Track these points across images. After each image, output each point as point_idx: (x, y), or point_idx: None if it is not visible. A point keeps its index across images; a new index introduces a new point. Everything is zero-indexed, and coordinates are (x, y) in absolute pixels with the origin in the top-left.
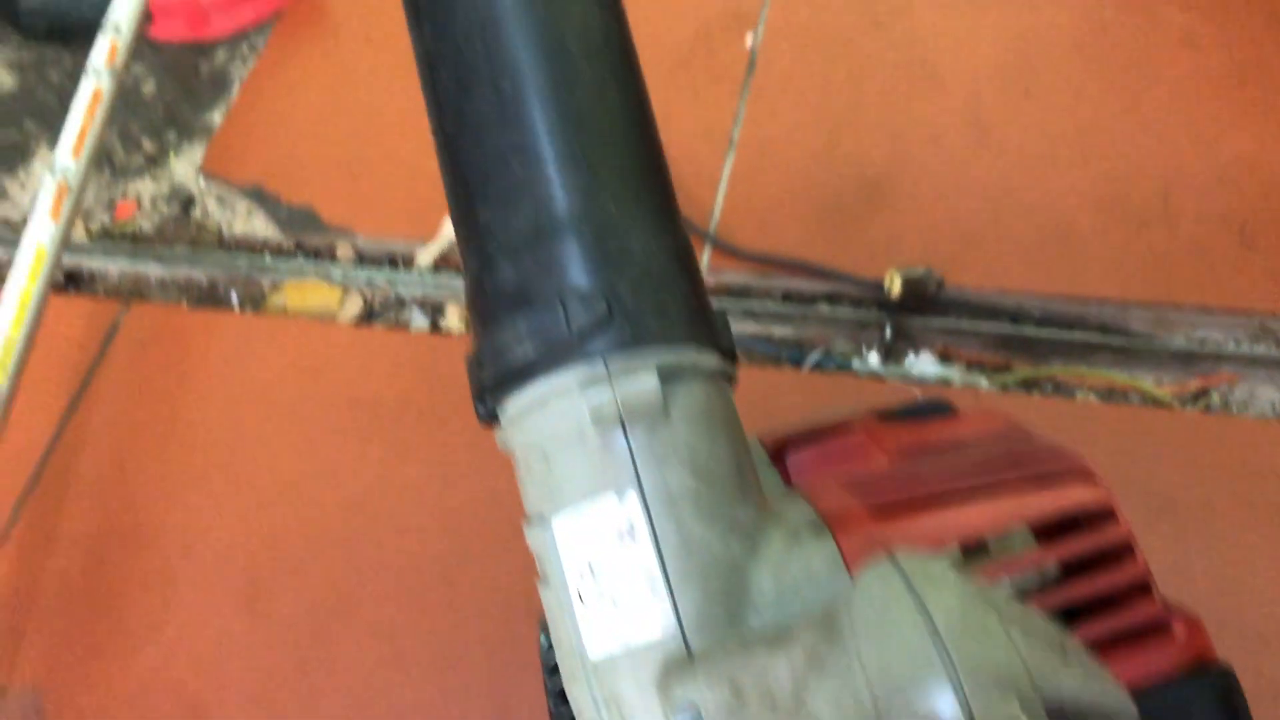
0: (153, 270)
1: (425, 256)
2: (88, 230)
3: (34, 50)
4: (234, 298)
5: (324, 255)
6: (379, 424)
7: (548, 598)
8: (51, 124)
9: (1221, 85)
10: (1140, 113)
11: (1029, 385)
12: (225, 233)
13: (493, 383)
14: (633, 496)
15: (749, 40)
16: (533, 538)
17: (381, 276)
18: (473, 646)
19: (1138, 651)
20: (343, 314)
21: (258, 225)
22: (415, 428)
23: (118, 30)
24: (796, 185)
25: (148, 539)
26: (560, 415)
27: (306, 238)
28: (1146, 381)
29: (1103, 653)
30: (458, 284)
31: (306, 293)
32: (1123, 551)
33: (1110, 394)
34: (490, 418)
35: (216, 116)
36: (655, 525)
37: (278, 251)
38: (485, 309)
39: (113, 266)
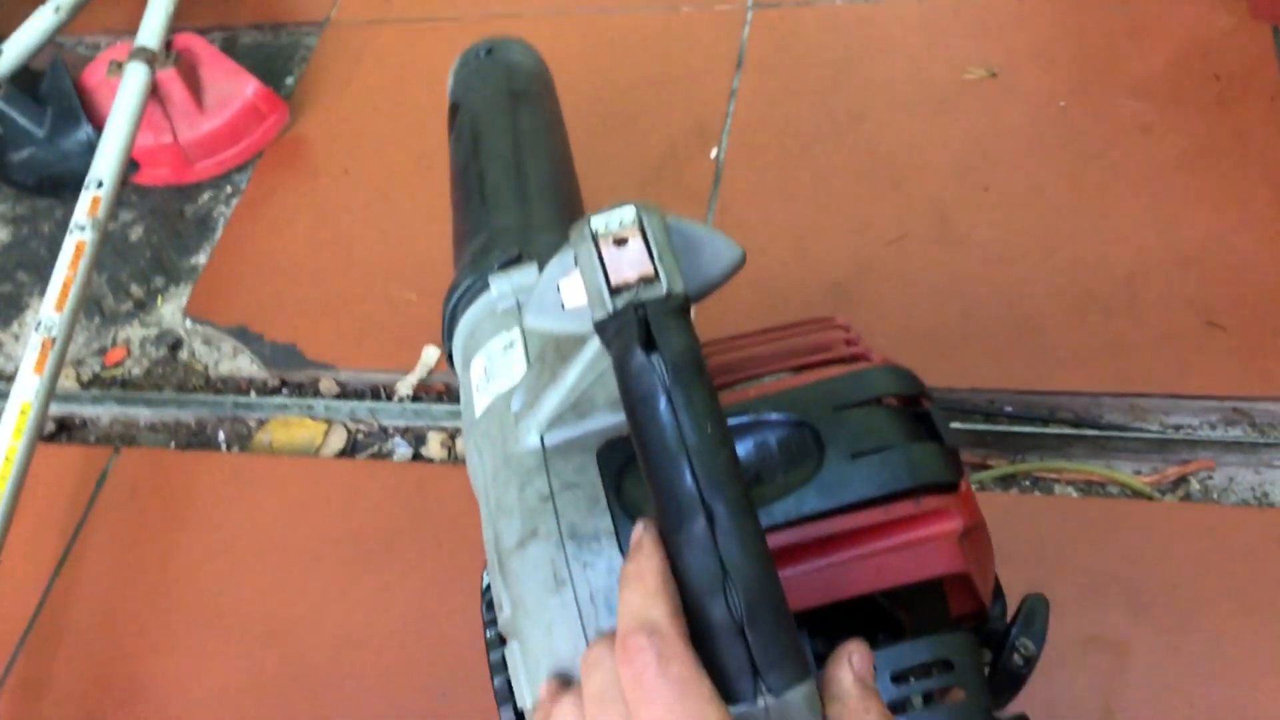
0: (142, 414)
1: (405, 386)
2: (79, 378)
3: (27, 203)
4: (221, 437)
5: (307, 390)
6: (366, 557)
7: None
8: (44, 275)
9: (1178, 169)
10: (1100, 201)
11: (1006, 482)
12: (211, 373)
13: (449, 316)
14: (516, 329)
15: (713, 153)
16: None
17: (364, 408)
18: None
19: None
20: (326, 448)
21: (243, 364)
22: (402, 559)
23: (100, 185)
24: (765, 294)
25: (139, 689)
26: (483, 305)
27: (290, 374)
28: (1124, 472)
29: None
30: (437, 411)
31: (291, 429)
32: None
33: (1089, 487)
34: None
35: (201, 258)
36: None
37: (263, 389)
38: (458, 276)
39: (103, 413)
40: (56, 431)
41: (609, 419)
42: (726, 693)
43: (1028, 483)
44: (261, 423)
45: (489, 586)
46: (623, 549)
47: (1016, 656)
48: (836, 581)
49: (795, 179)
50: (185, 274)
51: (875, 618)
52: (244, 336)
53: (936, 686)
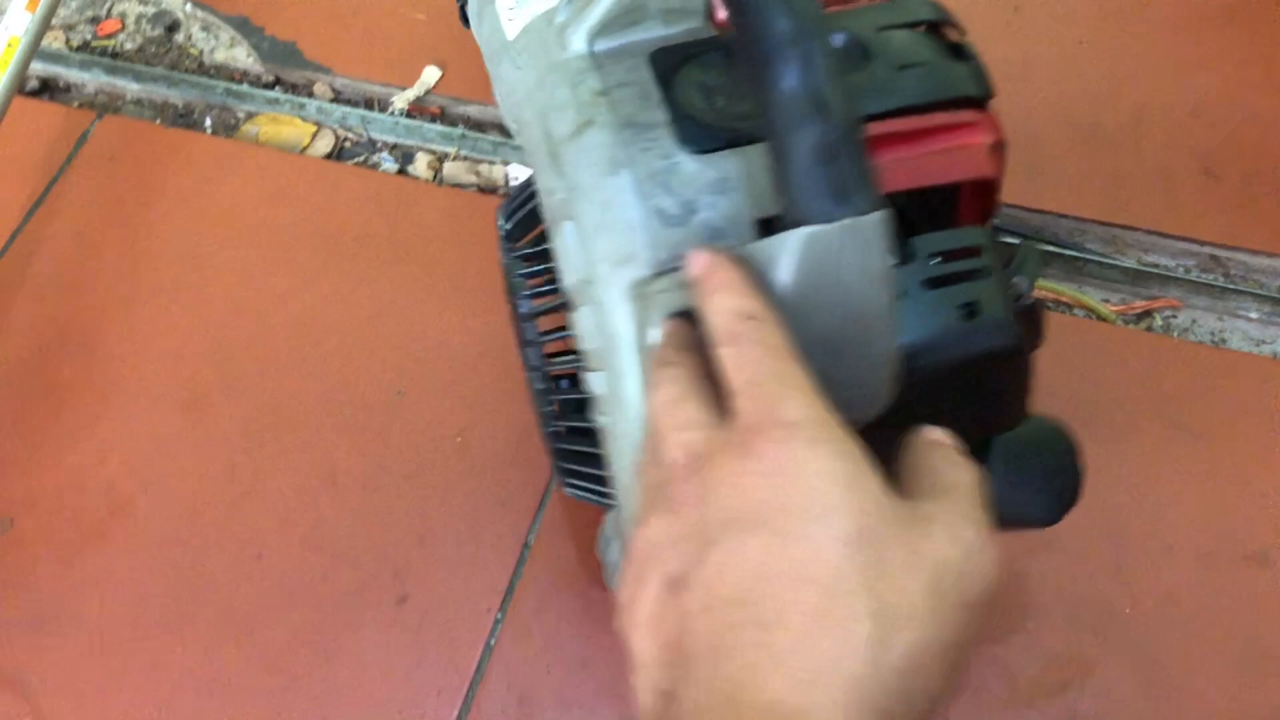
0: (129, 87)
1: (401, 100)
2: (68, 42)
3: None
4: (208, 124)
5: (301, 91)
6: (337, 255)
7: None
8: None
9: (1210, 22)
10: (1125, 41)
11: None
12: (206, 59)
13: None
14: None
15: None
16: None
17: (355, 116)
18: (401, 478)
19: None
20: (312, 149)
21: (239, 55)
22: (372, 262)
23: None
24: None
25: (93, 342)
26: None
27: (286, 72)
28: (1093, 298)
29: None
30: (429, 131)
31: (280, 125)
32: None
33: (1056, 305)
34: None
35: None
36: None
37: (256, 83)
38: None
39: (89, 80)
40: (39, 89)
41: (660, 30)
42: (808, 214)
43: None
44: (250, 115)
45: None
46: (678, 141)
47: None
48: (882, 179)
49: None
50: None
51: (916, 212)
52: (244, 28)
53: (969, 267)
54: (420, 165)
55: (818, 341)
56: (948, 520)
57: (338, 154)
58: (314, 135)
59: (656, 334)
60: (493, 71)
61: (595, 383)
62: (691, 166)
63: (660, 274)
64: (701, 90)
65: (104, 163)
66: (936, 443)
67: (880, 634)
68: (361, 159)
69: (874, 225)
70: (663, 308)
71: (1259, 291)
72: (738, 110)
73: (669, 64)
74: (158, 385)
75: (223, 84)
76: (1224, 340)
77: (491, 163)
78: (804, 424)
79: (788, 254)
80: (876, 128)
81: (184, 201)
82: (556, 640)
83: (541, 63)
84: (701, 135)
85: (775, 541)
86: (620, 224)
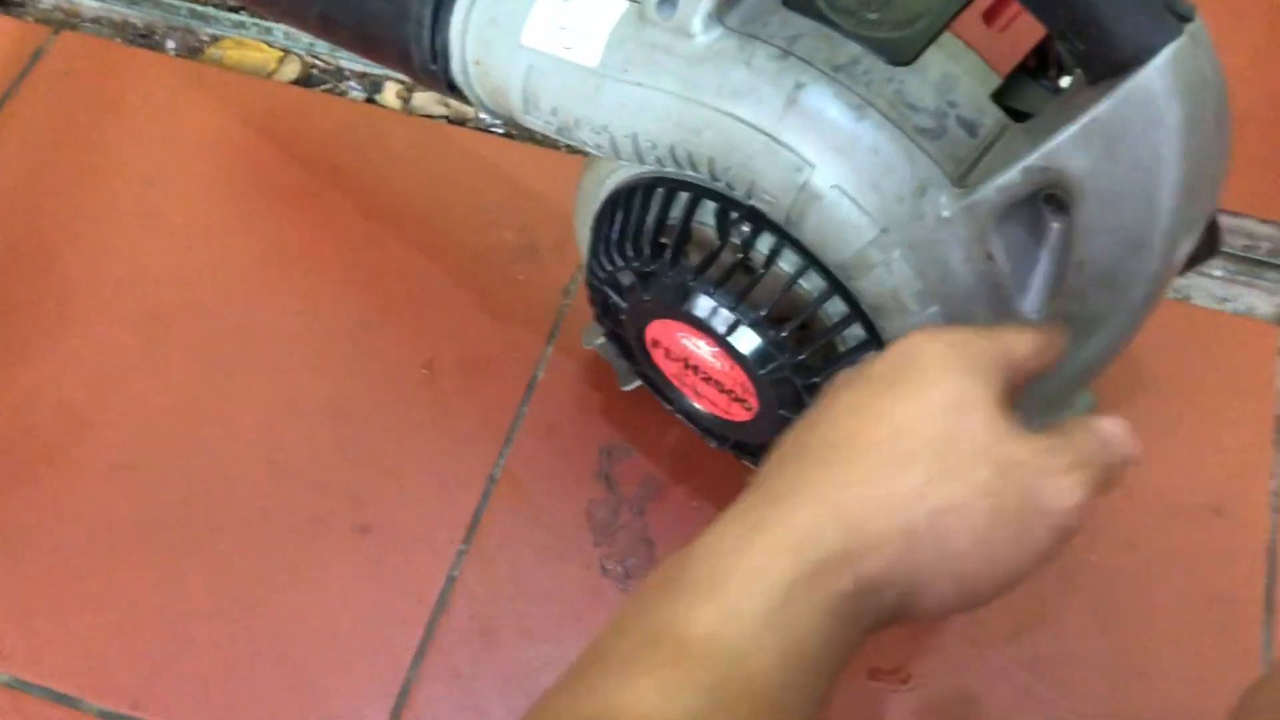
0: (87, 4)
1: None
2: None
3: None
4: (170, 45)
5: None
6: (304, 182)
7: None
8: None
9: None
10: None
11: None
12: None
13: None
14: None
15: None
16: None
17: (325, 45)
18: (365, 408)
19: None
20: (279, 76)
21: None
22: (340, 190)
23: None
24: None
25: (50, 259)
26: None
27: None
28: None
29: None
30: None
31: (245, 50)
32: None
33: None
34: (438, 58)
35: None
36: None
37: (221, 5)
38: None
39: None
40: None
41: None
42: (1147, 39)
43: None
44: (215, 39)
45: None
46: (887, 62)
47: None
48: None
49: None
50: None
51: None
52: None
53: None
54: (389, 94)
55: (1200, 155)
56: (1043, 447)
57: (305, 81)
58: (280, 61)
59: (998, 241)
60: (585, 109)
61: (924, 321)
62: (913, 79)
63: (968, 187)
64: (848, 10)
65: (61, 78)
66: (1092, 418)
67: (925, 479)
68: (329, 86)
69: (1203, 25)
70: (994, 213)
71: (1223, 249)
72: (898, 10)
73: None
74: (117, 306)
75: (186, 4)
76: (1188, 297)
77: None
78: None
79: (1162, 81)
80: None
81: (145, 123)
82: (520, 572)
83: (671, 66)
84: (899, 47)
85: (892, 390)
86: (899, 158)
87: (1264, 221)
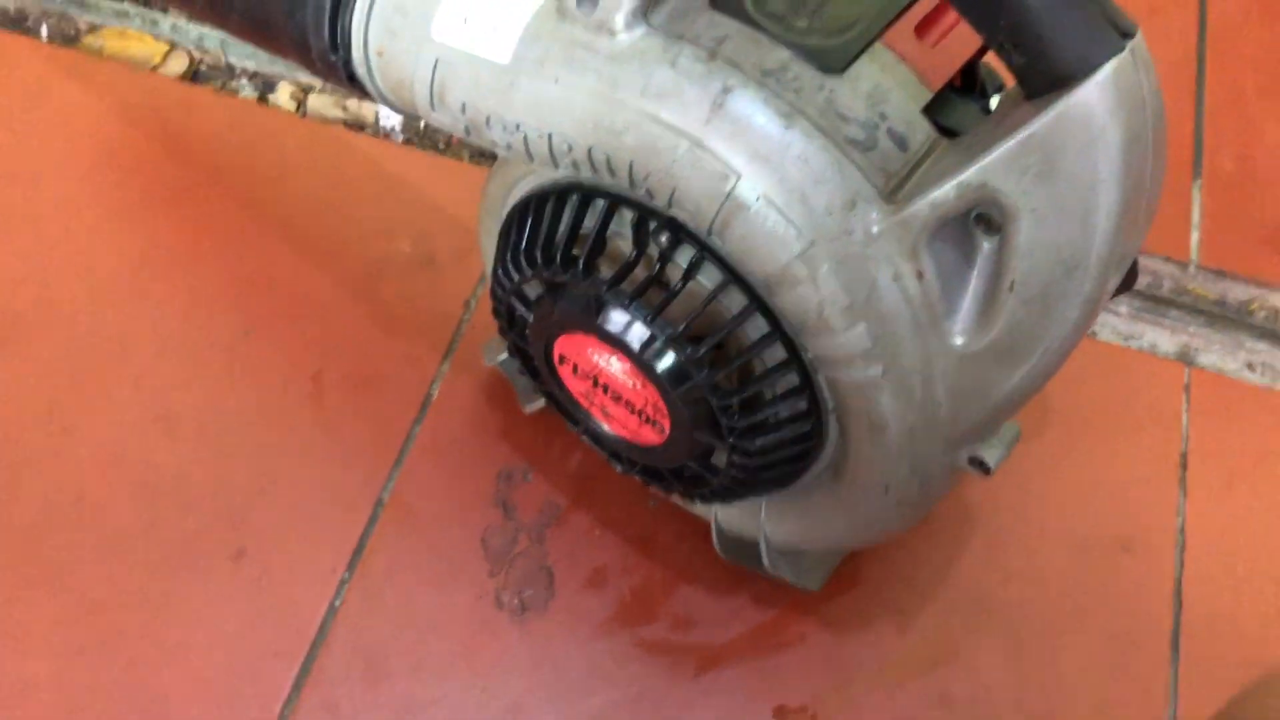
0: None
1: None
2: None
3: None
4: (44, 32)
5: (154, 4)
6: (187, 182)
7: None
8: None
9: None
10: None
11: None
12: None
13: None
14: None
15: None
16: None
17: (215, 38)
18: (245, 422)
19: None
20: (164, 70)
21: None
22: (226, 192)
23: None
24: None
25: None
26: None
27: None
28: None
29: None
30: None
31: (128, 40)
32: None
33: None
34: (338, 47)
35: None
36: None
37: None
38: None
39: None
40: None
41: None
42: (1086, 53)
43: None
44: (94, 27)
45: None
46: (817, 70)
47: None
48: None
49: None
50: None
51: None
52: None
53: None
54: (283, 95)
55: (1138, 176)
56: None
57: (192, 76)
58: (166, 55)
59: (928, 260)
60: (497, 107)
61: (849, 341)
62: (844, 89)
63: (899, 202)
64: (777, 14)
65: None
66: None
67: None
68: (219, 83)
69: (1143, 42)
70: (926, 230)
71: None
72: (829, 18)
73: (731, 1)
74: None
75: None
76: (1094, 333)
77: (361, 99)
78: None
79: (1103, 98)
80: None
81: (10, 112)
82: (409, 602)
83: (591, 64)
84: (830, 55)
85: None
86: (829, 169)
87: (1167, 260)
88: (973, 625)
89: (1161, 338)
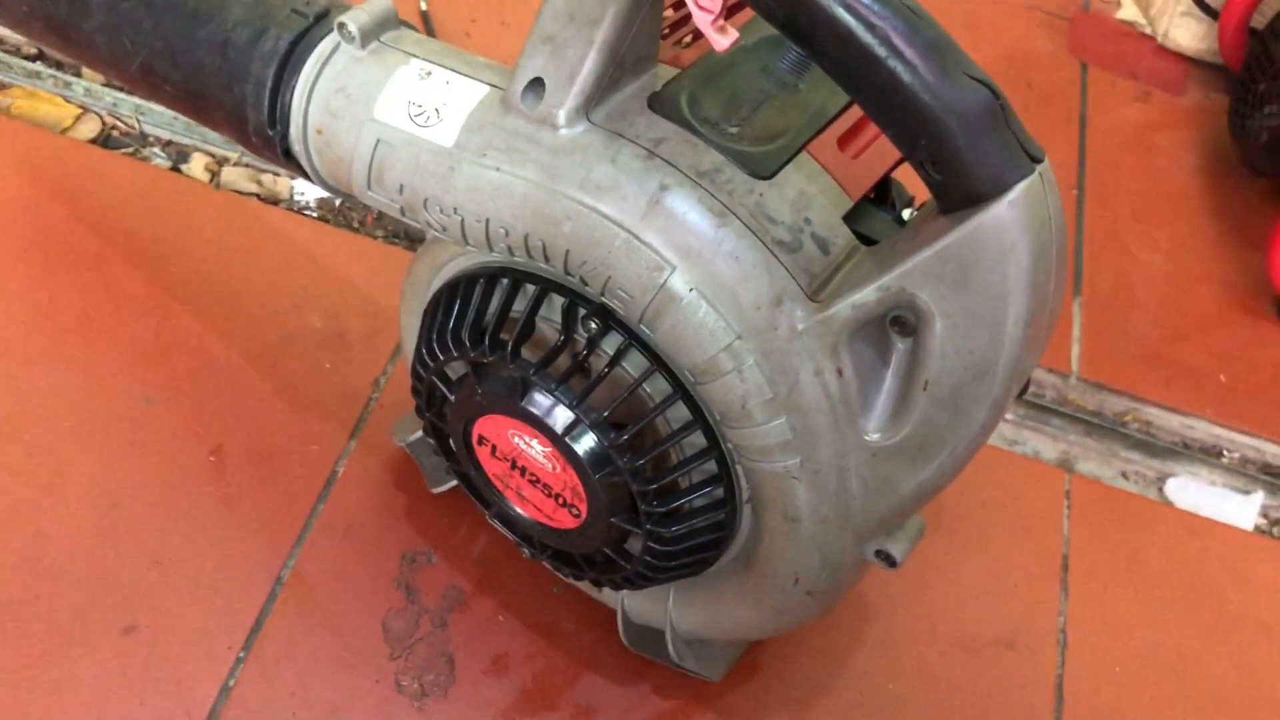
0: None
1: None
2: None
3: None
4: None
5: (68, 69)
6: (93, 248)
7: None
8: None
9: None
10: None
11: None
12: None
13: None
14: (415, 60)
15: None
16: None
17: (129, 105)
18: (141, 494)
19: None
20: (74, 134)
21: None
22: (132, 260)
23: None
24: None
25: None
26: (331, 64)
27: None
28: None
29: None
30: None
31: (38, 102)
32: None
33: None
34: (277, 123)
35: None
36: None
37: (15, 52)
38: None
39: None
40: None
41: (633, 81)
42: (998, 176)
43: None
44: (3, 85)
45: None
46: (749, 174)
47: None
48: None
49: None
50: None
51: None
52: None
53: None
54: (196, 165)
55: (1043, 290)
56: None
57: (103, 142)
58: (77, 119)
59: (847, 358)
60: (436, 190)
61: (770, 432)
62: (772, 193)
63: (822, 302)
64: (711, 120)
65: None
66: None
67: None
68: (130, 150)
69: (1049, 166)
70: (846, 330)
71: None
72: (759, 126)
73: (677, 104)
74: None
75: None
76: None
77: (276, 174)
78: None
79: (1014, 215)
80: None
81: None
82: (305, 685)
83: (533, 155)
84: (760, 162)
85: None
86: (757, 267)
87: (1050, 370)
88: (867, 717)
89: (1044, 444)
